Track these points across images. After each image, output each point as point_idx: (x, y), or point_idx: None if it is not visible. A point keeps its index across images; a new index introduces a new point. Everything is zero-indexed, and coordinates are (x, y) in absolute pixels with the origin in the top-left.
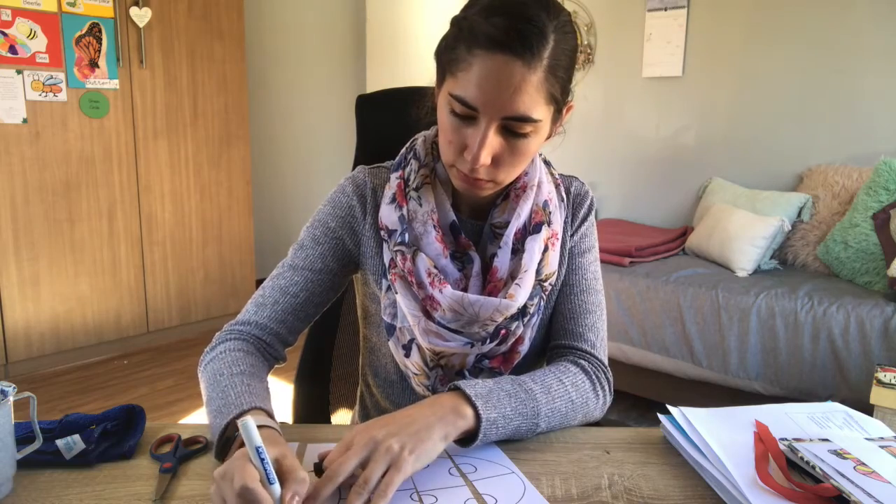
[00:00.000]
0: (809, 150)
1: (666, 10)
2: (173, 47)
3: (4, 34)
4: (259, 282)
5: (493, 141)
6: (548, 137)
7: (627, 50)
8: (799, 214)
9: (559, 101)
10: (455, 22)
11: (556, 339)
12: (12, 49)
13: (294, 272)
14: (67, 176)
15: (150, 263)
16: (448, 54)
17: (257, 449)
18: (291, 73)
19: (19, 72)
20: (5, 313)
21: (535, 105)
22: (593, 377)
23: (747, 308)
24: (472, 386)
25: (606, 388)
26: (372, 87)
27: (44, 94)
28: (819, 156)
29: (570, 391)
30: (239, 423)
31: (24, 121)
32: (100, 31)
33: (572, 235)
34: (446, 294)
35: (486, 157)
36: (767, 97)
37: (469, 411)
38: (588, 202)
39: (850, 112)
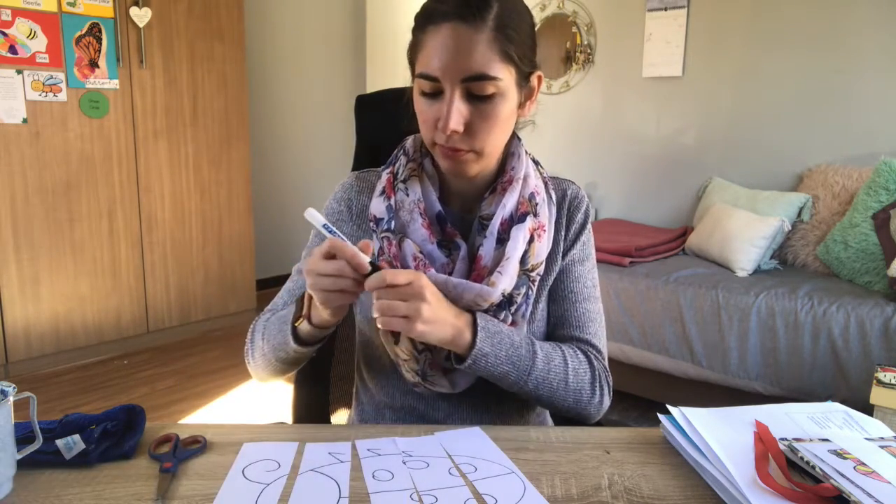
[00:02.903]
0: (809, 150)
1: (666, 10)
2: (173, 47)
3: (4, 34)
4: (259, 282)
5: (461, 107)
6: (521, 107)
7: (627, 50)
8: (799, 214)
9: (517, 62)
10: (415, 18)
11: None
12: (12, 49)
13: (300, 275)
14: (67, 176)
15: (150, 263)
16: (411, 46)
17: (324, 225)
18: (291, 73)
19: (19, 72)
20: (5, 313)
21: (490, 62)
22: (597, 374)
23: (747, 308)
24: (488, 320)
25: (605, 390)
26: (372, 87)
27: (44, 94)
28: (819, 156)
29: (569, 375)
30: (305, 213)
31: (24, 121)
32: (100, 31)
33: (573, 243)
34: (431, 276)
35: (455, 122)
36: (767, 97)
37: (468, 340)
38: (584, 207)
39: (850, 112)
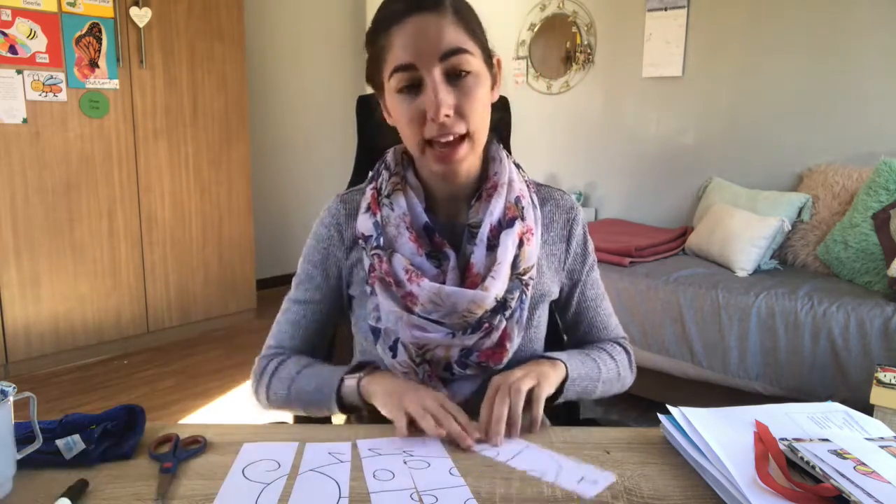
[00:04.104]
0: (809, 150)
1: (666, 10)
2: (173, 47)
3: (4, 34)
4: (259, 282)
5: (446, 89)
6: (492, 89)
7: (627, 50)
8: (799, 214)
9: (481, 40)
10: (367, 36)
11: (594, 340)
12: (12, 49)
13: (298, 306)
14: (67, 176)
15: (150, 263)
16: (374, 60)
17: None
18: (291, 73)
19: (19, 72)
20: (5, 313)
21: (462, 38)
22: (630, 357)
23: (747, 308)
24: (554, 354)
25: (634, 364)
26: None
27: (44, 94)
28: (819, 156)
29: (620, 367)
30: None
31: (24, 121)
32: (100, 31)
33: (583, 257)
34: (424, 287)
35: (446, 105)
36: (767, 97)
37: (562, 367)
38: (580, 217)
39: (850, 112)
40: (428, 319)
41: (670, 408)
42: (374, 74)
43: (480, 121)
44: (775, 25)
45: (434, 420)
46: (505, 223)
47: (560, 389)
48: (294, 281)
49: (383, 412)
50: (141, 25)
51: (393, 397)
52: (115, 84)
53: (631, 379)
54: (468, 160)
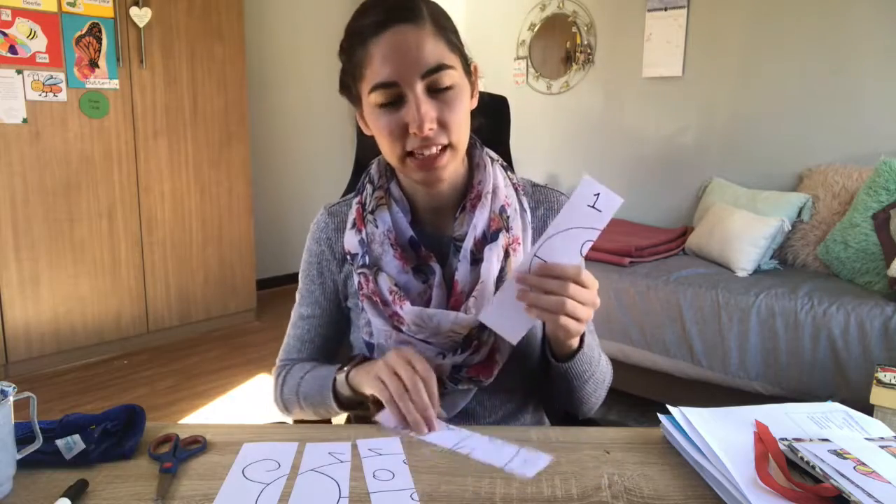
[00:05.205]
0: (809, 150)
1: (666, 10)
2: (173, 47)
3: (4, 34)
4: (259, 282)
5: (429, 103)
6: (471, 96)
7: (627, 50)
8: (799, 214)
9: (460, 50)
10: (342, 46)
11: None
12: (12, 49)
13: (304, 321)
14: (67, 176)
15: (150, 263)
16: (350, 72)
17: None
18: (291, 73)
19: (19, 72)
20: (5, 313)
21: (442, 52)
22: (608, 383)
23: (747, 308)
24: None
25: (605, 391)
26: None
27: (44, 94)
28: (819, 156)
29: (606, 378)
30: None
31: (24, 121)
32: (100, 31)
33: None
34: (406, 310)
35: (429, 119)
36: (767, 97)
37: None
38: None
39: (850, 112)
40: (417, 339)
41: (670, 408)
42: (349, 86)
43: (462, 132)
44: (775, 25)
45: (400, 402)
46: (489, 236)
47: (572, 354)
48: (297, 294)
49: (367, 392)
50: (141, 25)
51: (370, 374)
52: (115, 84)
53: (602, 398)
54: (450, 168)
